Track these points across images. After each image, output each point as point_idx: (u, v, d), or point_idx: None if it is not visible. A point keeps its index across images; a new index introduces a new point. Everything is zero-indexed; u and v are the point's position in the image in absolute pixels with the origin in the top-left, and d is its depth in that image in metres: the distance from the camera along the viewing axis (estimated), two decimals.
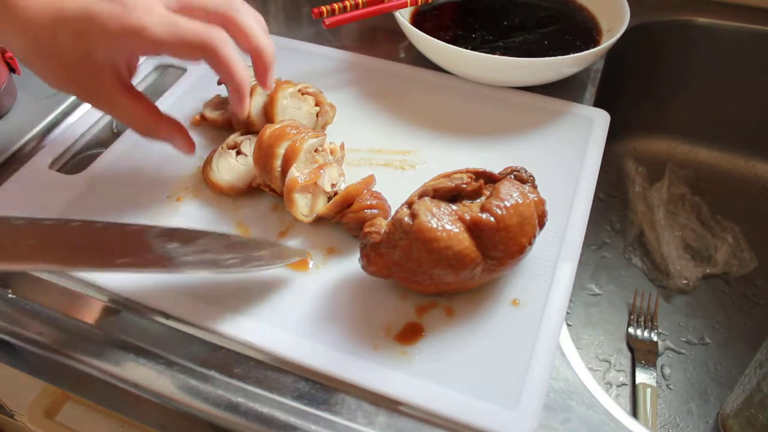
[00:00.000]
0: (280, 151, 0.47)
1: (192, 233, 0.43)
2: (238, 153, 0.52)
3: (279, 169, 0.47)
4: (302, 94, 0.54)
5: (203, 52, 0.42)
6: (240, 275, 0.45)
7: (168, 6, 0.42)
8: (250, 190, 0.50)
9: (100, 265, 0.39)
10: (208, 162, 0.52)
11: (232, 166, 0.51)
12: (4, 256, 0.37)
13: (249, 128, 0.54)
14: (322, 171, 0.47)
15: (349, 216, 0.46)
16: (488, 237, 0.40)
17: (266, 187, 0.49)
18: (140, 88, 0.63)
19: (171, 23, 0.40)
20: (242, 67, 0.44)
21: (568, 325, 0.66)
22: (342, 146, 0.51)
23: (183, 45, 0.41)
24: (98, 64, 0.41)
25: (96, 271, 0.44)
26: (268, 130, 0.48)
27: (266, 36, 0.46)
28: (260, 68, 0.46)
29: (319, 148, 0.49)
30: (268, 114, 0.54)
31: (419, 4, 0.64)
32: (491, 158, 0.54)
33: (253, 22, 0.45)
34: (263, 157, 0.47)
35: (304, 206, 0.47)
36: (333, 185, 0.48)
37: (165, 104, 0.59)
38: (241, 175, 0.50)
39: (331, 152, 0.50)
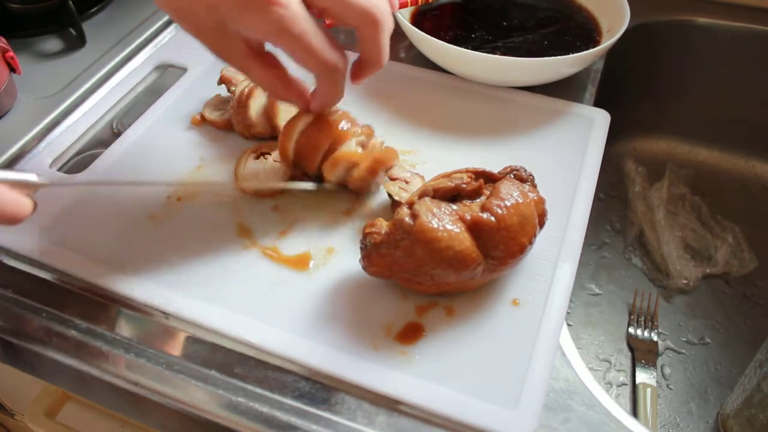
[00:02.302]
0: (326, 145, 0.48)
1: None
2: (266, 156, 0.53)
3: (320, 159, 0.48)
4: None
5: (323, 70, 0.41)
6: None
7: None
8: (277, 193, 0.51)
9: None
10: (237, 168, 0.53)
11: (259, 171, 0.52)
12: None
13: (250, 130, 0.54)
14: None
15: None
16: (489, 237, 0.40)
17: (296, 169, 0.50)
18: (140, 89, 0.63)
19: (302, 31, 0.39)
20: (341, 89, 0.44)
21: (568, 325, 0.66)
22: (382, 143, 0.52)
23: (307, 57, 0.40)
24: (229, 34, 0.41)
25: None
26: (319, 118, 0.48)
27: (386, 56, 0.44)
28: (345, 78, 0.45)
29: (364, 145, 0.50)
30: (269, 116, 0.54)
31: (419, 4, 0.64)
32: (491, 158, 0.54)
33: (386, 38, 0.43)
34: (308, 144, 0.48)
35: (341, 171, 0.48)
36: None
37: (165, 104, 0.59)
38: (268, 179, 0.51)
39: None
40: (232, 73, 0.58)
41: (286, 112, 0.53)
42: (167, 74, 0.65)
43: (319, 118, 0.48)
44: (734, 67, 0.78)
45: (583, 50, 0.57)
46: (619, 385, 0.62)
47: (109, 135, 0.59)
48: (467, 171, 0.44)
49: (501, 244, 0.40)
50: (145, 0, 0.74)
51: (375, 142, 0.51)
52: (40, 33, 0.70)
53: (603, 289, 0.71)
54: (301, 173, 0.50)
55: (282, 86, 0.44)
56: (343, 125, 0.48)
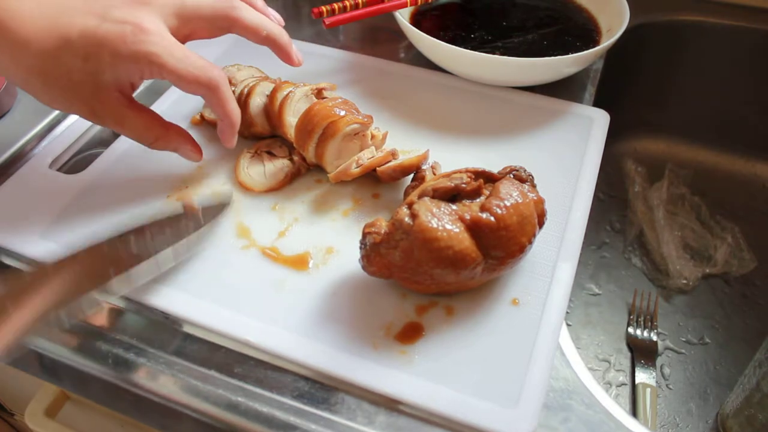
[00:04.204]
0: (320, 129, 0.49)
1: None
2: (270, 154, 0.54)
3: (315, 142, 0.49)
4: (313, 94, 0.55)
5: (206, 89, 0.43)
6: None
7: (170, 25, 0.43)
8: (281, 187, 0.52)
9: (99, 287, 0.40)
10: (237, 166, 0.53)
11: (260, 171, 0.52)
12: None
13: (250, 129, 0.54)
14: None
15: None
16: (488, 236, 0.40)
17: (298, 155, 0.52)
18: (140, 89, 0.63)
19: (183, 57, 0.42)
20: (235, 104, 0.46)
21: (568, 324, 0.66)
22: (385, 135, 0.53)
23: (190, 79, 0.42)
24: (104, 85, 0.42)
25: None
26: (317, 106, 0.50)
27: (271, 22, 0.47)
28: (281, 53, 0.48)
29: (360, 133, 0.50)
30: (268, 114, 0.54)
31: (419, 4, 0.64)
32: (491, 158, 0.54)
33: (255, 14, 0.46)
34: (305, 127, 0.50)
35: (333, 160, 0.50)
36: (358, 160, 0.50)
37: (165, 104, 0.59)
38: (272, 176, 0.52)
39: (372, 137, 0.51)
40: (232, 72, 0.58)
41: (293, 109, 0.53)
42: None
43: (315, 104, 0.50)
44: (734, 67, 0.78)
45: (582, 50, 0.57)
46: (618, 385, 0.62)
47: (109, 135, 0.59)
48: (467, 171, 0.44)
49: (500, 244, 0.40)
50: None
51: (378, 133, 0.51)
52: None
53: (603, 289, 0.71)
54: (301, 159, 0.52)
55: (160, 131, 0.46)
56: (339, 111, 0.49)
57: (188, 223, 0.45)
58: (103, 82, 0.42)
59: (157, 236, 0.43)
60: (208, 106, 0.44)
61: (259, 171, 0.52)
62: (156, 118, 0.46)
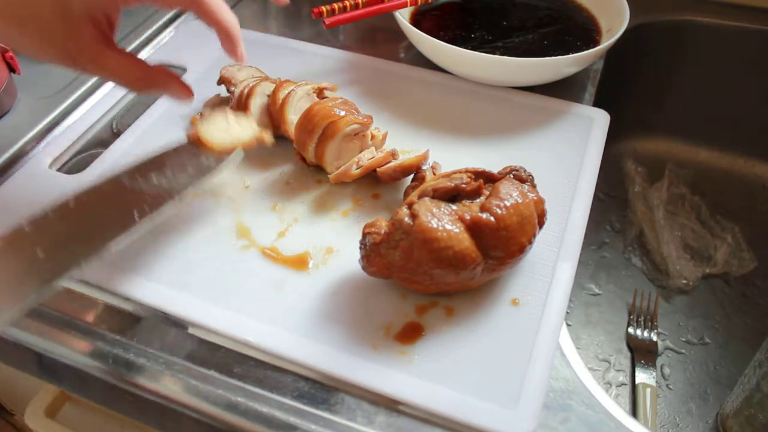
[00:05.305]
0: (319, 129, 0.49)
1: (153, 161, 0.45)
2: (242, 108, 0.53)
3: (315, 142, 0.49)
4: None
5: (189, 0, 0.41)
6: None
7: None
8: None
9: (124, 227, 0.41)
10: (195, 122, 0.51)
11: (222, 127, 0.49)
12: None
13: None
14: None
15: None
16: (488, 236, 0.40)
17: (298, 155, 0.52)
18: (130, 97, 0.62)
19: None
20: (228, 9, 0.43)
21: (568, 324, 0.66)
22: (385, 135, 0.53)
23: None
24: (77, 20, 0.39)
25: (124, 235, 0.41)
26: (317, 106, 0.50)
27: (229, 11, 0.44)
28: (228, 43, 0.45)
29: (360, 133, 0.50)
30: (270, 113, 0.54)
31: (419, 4, 0.64)
32: (491, 158, 0.54)
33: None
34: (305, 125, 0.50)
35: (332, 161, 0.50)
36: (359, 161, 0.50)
37: (165, 104, 0.59)
38: (234, 136, 0.49)
39: (372, 137, 0.51)
40: (232, 72, 0.58)
41: (295, 107, 0.53)
42: None
43: (315, 104, 0.49)
44: (734, 67, 0.78)
45: (583, 50, 0.57)
46: (618, 385, 0.62)
47: (109, 135, 0.59)
48: (467, 171, 0.44)
49: (500, 244, 0.40)
50: None
51: (377, 133, 0.51)
52: None
53: (603, 289, 0.71)
54: (301, 159, 0.52)
55: (144, 73, 0.43)
56: (339, 111, 0.49)
57: (209, 159, 0.46)
58: (75, 17, 0.39)
59: (178, 173, 0.44)
60: (198, 18, 0.42)
61: (222, 126, 0.49)
62: (138, 59, 0.43)
